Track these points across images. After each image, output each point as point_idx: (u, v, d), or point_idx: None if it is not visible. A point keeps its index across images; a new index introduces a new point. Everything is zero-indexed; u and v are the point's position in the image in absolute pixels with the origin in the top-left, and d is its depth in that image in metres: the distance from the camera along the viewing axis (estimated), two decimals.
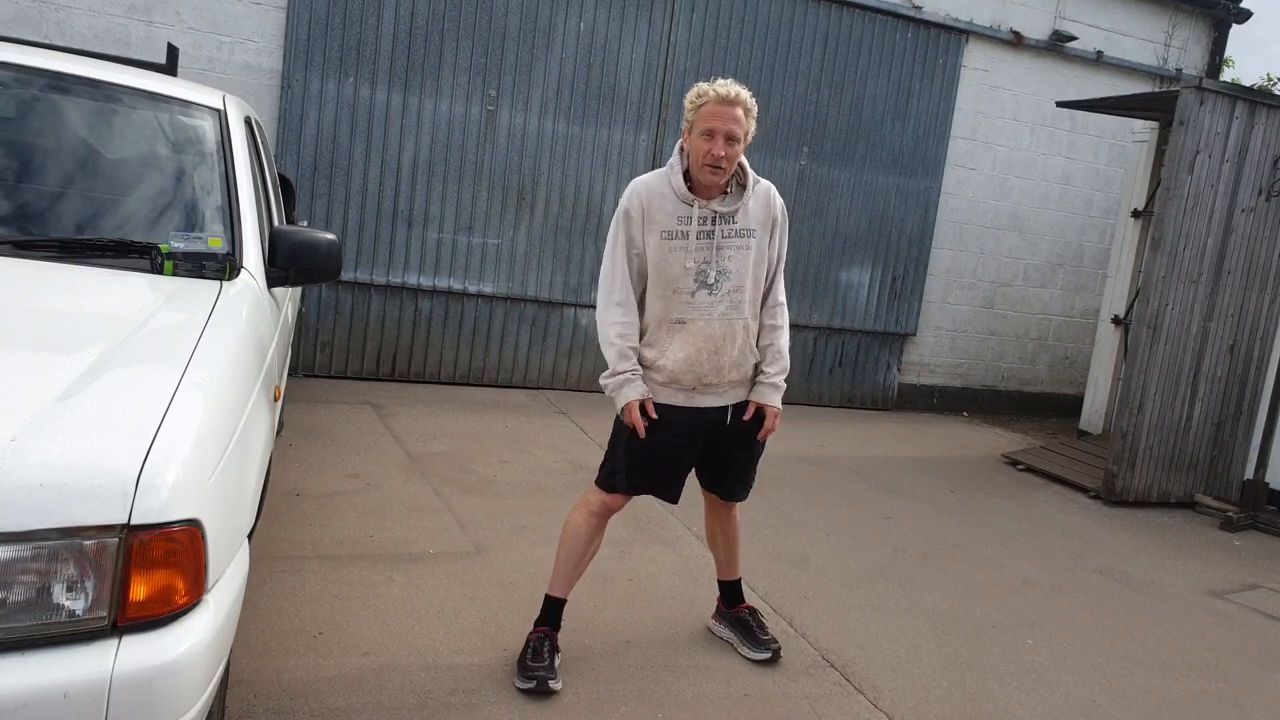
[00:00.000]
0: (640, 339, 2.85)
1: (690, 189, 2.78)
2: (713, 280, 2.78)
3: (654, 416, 2.78)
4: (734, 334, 2.84)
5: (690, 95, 2.75)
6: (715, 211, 2.78)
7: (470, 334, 7.05)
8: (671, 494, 2.97)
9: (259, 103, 6.24)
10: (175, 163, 2.88)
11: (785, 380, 2.98)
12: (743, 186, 2.83)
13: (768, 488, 5.20)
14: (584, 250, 7.08)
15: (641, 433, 2.77)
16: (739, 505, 3.20)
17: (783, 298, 2.99)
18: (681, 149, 2.82)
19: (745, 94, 2.71)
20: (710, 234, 2.77)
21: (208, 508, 1.65)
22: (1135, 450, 5.96)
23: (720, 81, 2.72)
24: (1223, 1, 8.89)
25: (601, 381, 2.85)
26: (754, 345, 2.92)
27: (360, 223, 6.62)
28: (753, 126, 2.74)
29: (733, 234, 2.80)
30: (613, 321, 2.80)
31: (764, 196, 2.88)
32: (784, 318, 2.99)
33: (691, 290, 2.78)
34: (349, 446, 5.00)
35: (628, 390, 2.78)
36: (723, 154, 2.66)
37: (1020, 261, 8.82)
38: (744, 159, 2.82)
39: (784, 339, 2.98)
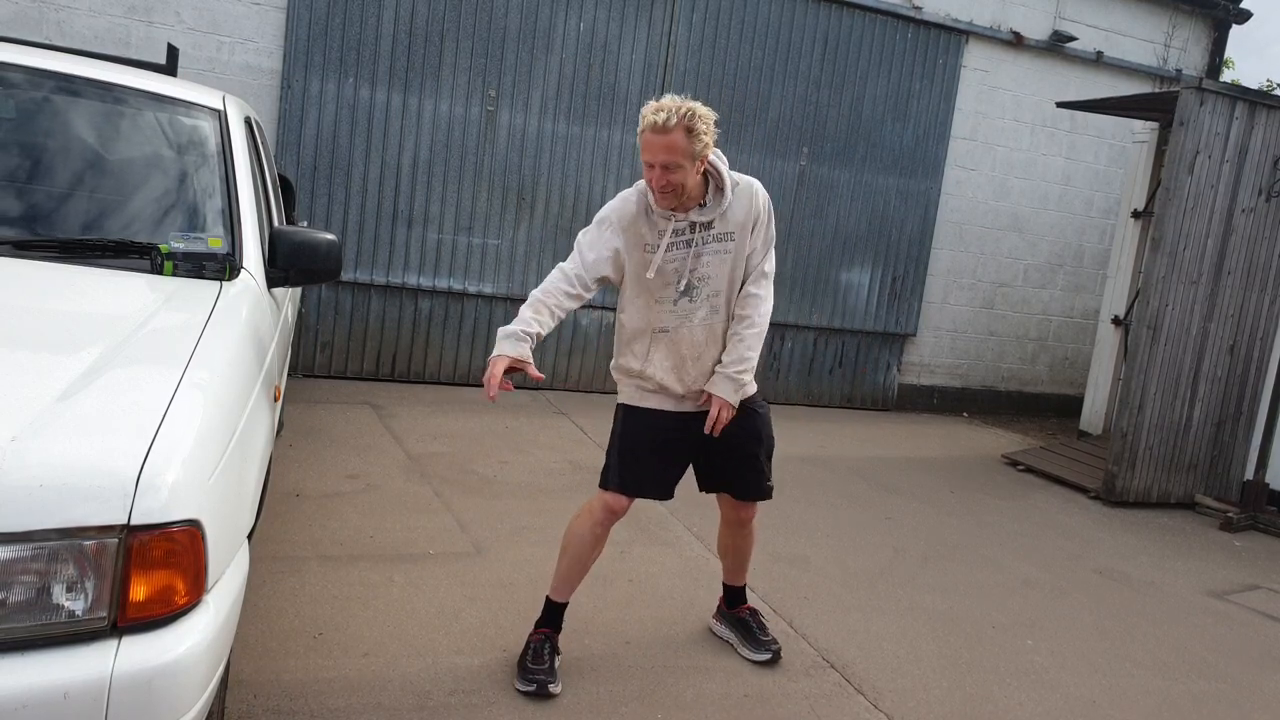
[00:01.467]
0: (621, 347, 2.88)
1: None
2: (692, 285, 2.77)
3: (510, 388, 2.57)
4: (715, 338, 2.83)
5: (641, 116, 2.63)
6: (693, 221, 2.75)
7: (470, 334, 7.04)
8: (664, 490, 2.93)
9: (259, 103, 6.24)
10: (175, 163, 2.88)
11: (745, 374, 2.79)
12: (720, 191, 2.75)
13: None
14: None
15: (490, 392, 2.50)
16: (755, 521, 3.13)
17: (757, 289, 2.82)
18: None
19: (681, 114, 2.52)
20: (689, 242, 2.76)
21: (208, 508, 1.65)
22: (1135, 451, 5.96)
23: (661, 103, 2.57)
24: (1223, 2, 8.89)
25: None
26: None
27: (360, 223, 6.62)
28: (699, 144, 2.56)
29: (711, 239, 2.76)
30: (545, 283, 2.73)
31: (746, 197, 2.78)
32: (754, 307, 2.81)
33: (674, 299, 2.78)
34: (349, 447, 5.00)
35: (504, 345, 2.57)
36: (665, 182, 2.58)
37: (1020, 262, 8.82)
38: (721, 164, 2.74)
39: (750, 329, 2.80)
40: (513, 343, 2.58)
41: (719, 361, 2.83)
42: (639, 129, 2.60)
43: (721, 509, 3.15)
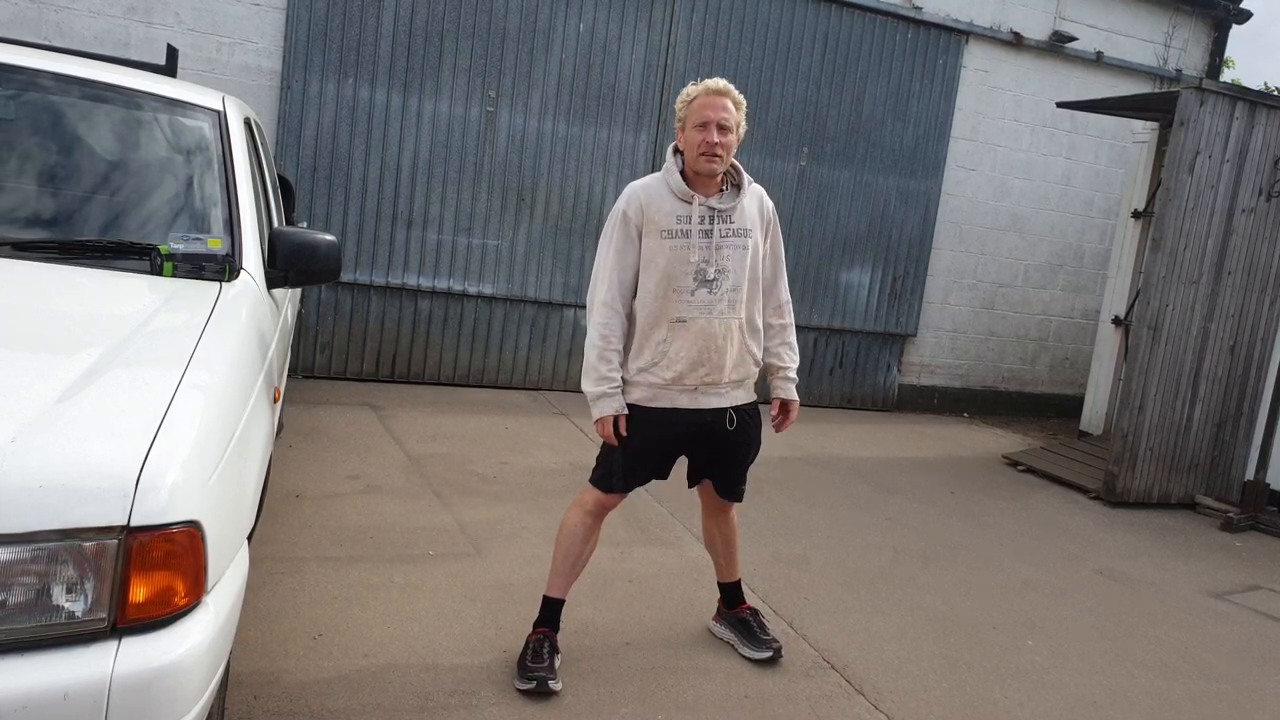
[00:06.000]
0: (633, 342, 2.86)
1: (688, 187, 2.80)
2: (712, 277, 2.80)
3: (624, 434, 2.81)
4: (732, 333, 2.86)
5: (681, 95, 2.83)
6: (714, 209, 2.81)
7: (470, 335, 7.04)
8: (662, 477, 3.01)
9: (259, 103, 6.24)
10: (175, 164, 2.87)
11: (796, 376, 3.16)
12: (738, 186, 2.89)
13: (768, 488, 5.20)
14: (584, 251, 7.06)
15: (614, 441, 2.82)
16: (736, 507, 3.20)
17: (786, 295, 3.10)
18: (676, 150, 2.87)
19: (733, 88, 2.80)
20: (709, 232, 2.80)
21: (208, 509, 1.65)
22: (1136, 451, 5.95)
23: (708, 79, 2.82)
24: (1223, 2, 8.89)
25: (583, 387, 2.85)
26: (751, 346, 2.94)
27: (360, 223, 6.62)
28: (743, 119, 2.82)
29: (730, 233, 2.83)
30: (598, 322, 2.82)
31: (757, 199, 2.95)
32: (790, 315, 3.12)
33: (691, 289, 2.79)
34: (349, 447, 5.00)
35: (604, 404, 2.81)
36: (717, 141, 2.72)
37: (1020, 262, 8.82)
38: (737, 161, 2.88)
39: (793, 334, 3.14)
40: (614, 401, 2.81)
41: (780, 369, 3.10)
42: (689, 99, 2.79)
43: (703, 499, 3.19)
